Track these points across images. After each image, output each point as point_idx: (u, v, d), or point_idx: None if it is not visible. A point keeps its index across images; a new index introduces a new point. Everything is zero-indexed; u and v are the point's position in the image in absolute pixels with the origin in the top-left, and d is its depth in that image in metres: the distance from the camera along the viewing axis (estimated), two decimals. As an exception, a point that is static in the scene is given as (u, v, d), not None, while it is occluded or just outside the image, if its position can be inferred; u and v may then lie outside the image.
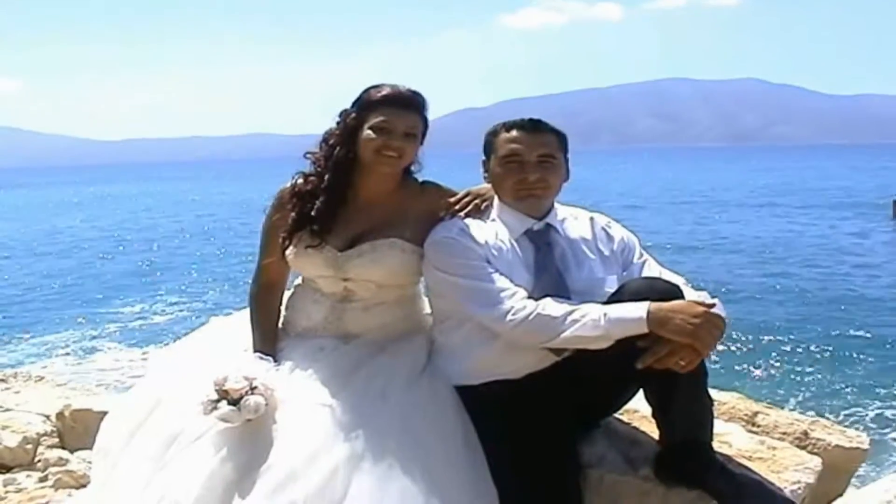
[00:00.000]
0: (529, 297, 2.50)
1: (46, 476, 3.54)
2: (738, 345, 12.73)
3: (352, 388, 2.53)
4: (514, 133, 2.71)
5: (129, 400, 2.86)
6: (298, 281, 2.93)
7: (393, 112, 2.67)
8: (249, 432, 2.40)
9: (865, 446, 3.33)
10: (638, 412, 2.94)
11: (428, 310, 2.91)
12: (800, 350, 13.13)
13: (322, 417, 2.42)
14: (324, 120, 2.83)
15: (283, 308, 2.92)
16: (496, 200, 2.77)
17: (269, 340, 2.79)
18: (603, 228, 2.83)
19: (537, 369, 2.59)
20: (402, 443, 2.38)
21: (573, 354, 2.50)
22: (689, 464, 2.54)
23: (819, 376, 11.85)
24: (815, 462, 2.84)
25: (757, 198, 49.54)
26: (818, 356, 12.78)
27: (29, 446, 3.89)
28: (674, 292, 2.42)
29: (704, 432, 2.58)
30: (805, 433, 3.23)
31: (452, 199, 2.81)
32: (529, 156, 2.67)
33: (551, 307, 2.43)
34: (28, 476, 3.57)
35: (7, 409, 4.52)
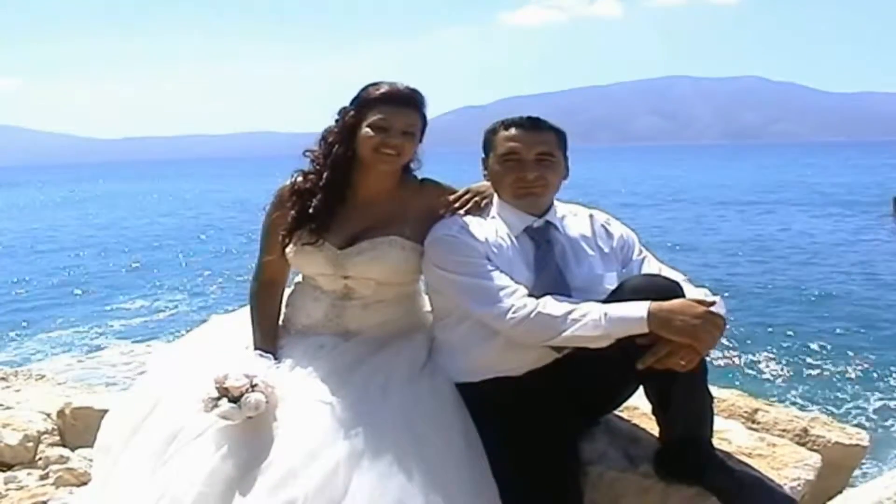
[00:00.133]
0: (530, 295, 2.50)
1: (47, 474, 3.54)
2: (738, 342, 12.71)
3: (352, 386, 2.54)
4: (512, 131, 2.71)
5: (130, 398, 2.87)
6: (298, 278, 2.93)
7: (391, 110, 2.67)
8: (250, 430, 2.41)
9: (865, 443, 3.33)
10: (638, 409, 2.95)
11: (428, 307, 2.91)
12: (800, 347, 13.12)
13: (322, 415, 2.43)
14: (324, 118, 2.84)
15: (283, 306, 2.92)
16: (496, 198, 2.77)
17: (269, 338, 2.79)
18: (602, 225, 2.83)
19: (538, 366, 2.60)
20: (403, 440, 2.38)
21: (573, 352, 2.50)
22: (689, 461, 2.54)
23: (819, 372, 11.85)
24: (815, 459, 2.85)
25: (756, 195, 49.49)
26: (818, 353, 12.77)
27: (30, 444, 3.89)
28: (674, 290, 2.42)
29: (704, 429, 2.58)
30: (805, 430, 3.24)
31: (452, 197, 2.81)
32: (528, 154, 2.67)
33: (552, 306, 2.43)
34: (29, 474, 3.57)
35: (8, 408, 4.52)
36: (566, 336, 2.39)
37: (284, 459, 2.31)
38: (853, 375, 11.62)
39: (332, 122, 2.78)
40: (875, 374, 11.59)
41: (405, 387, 2.58)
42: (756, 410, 3.32)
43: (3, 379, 6.24)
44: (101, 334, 15.94)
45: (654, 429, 2.72)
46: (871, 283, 19.62)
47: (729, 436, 2.94)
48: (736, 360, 12.05)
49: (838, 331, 14.42)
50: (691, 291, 2.49)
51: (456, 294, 2.61)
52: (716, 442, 2.68)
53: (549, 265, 2.63)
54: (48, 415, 4.30)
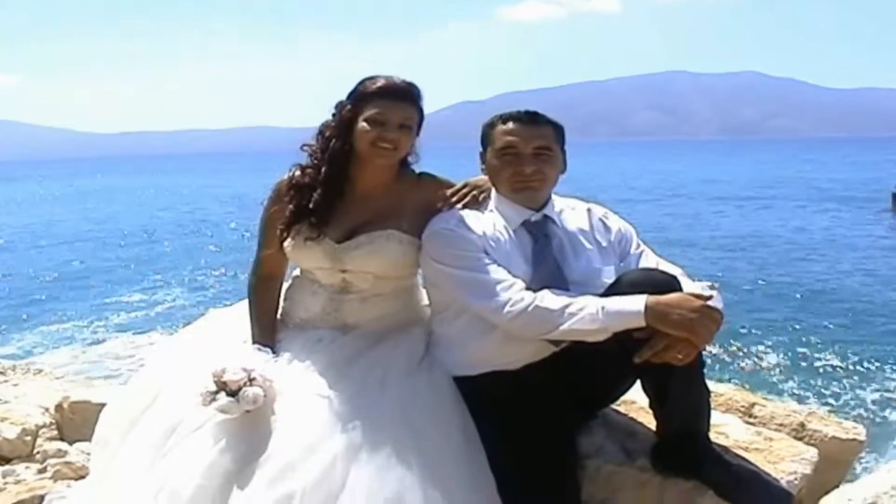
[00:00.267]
0: (527, 289, 2.50)
1: (45, 467, 3.54)
2: (736, 336, 12.74)
3: (350, 379, 2.54)
4: (510, 125, 2.70)
5: (128, 391, 2.87)
6: (296, 272, 2.93)
7: (388, 104, 2.66)
8: (248, 423, 2.41)
9: (862, 438, 3.34)
10: (635, 403, 2.95)
11: (426, 301, 2.91)
12: (797, 341, 13.16)
13: (320, 408, 2.43)
14: (322, 112, 2.82)
15: (281, 300, 2.92)
16: (493, 192, 2.76)
17: (267, 332, 2.79)
18: (600, 219, 2.83)
19: (535, 360, 2.60)
20: (400, 433, 2.39)
21: (571, 346, 2.50)
22: (686, 454, 2.54)
23: (816, 367, 11.89)
24: (812, 453, 2.85)
25: (754, 191, 49.50)
26: (815, 347, 12.81)
27: (28, 438, 3.90)
28: (671, 284, 2.42)
29: (701, 423, 2.58)
30: (802, 425, 3.24)
31: (450, 191, 2.81)
32: (526, 148, 2.66)
33: (549, 299, 2.43)
34: (27, 467, 3.57)
35: (5, 402, 4.53)
36: (563, 330, 2.39)
37: (283, 453, 2.31)
38: (851, 369, 11.66)
39: (330, 117, 2.78)
40: (872, 368, 11.62)
41: (403, 380, 2.58)
42: (753, 405, 3.32)
43: (1, 373, 6.24)
44: (100, 328, 15.97)
45: (651, 423, 2.72)
46: (868, 277, 19.69)
47: (726, 430, 2.95)
48: (733, 355, 12.08)
49: (836, 325, 14.47)
50: (689, 285, 2.49)
51: (453, 288, 2.61)
52: (713, 436, 2.68)
53: (547, 259, 2.63)
54: (46, 409, 4.30)
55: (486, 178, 2.80)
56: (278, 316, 2.89)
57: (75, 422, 4.04)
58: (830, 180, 57.86)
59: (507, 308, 2.46)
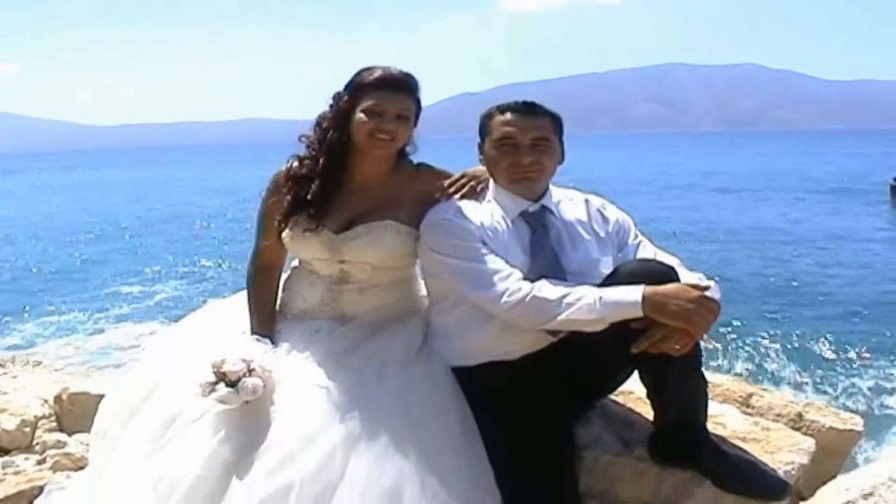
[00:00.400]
0: (525, 279, 2.50)
1: (45, 458, 3.55)
2: (733, 327, 12.74)
3: (348, 370, 2.55)
4: (508, 116, 2.70)
5: (127, 383, 2.87)
6: (295, 263, 2.94)
7: (385, 95, 2.66)
8: (247, 414, 2.42)
9: (860, 428, 3.35)
10: (633, 394, 2.96)
11: (424, 291, 2.92)
12: (795, 332, 13.15)
13: (319, 399, 2.43)
14: (321, 105, 2.82)
15: (280, 290, 2.92)
16: (491, 183, 2.76)
17: (266, 323, 2.80)
18: (598, 210, 2.83)
19: (533, 351, 2.60)
20: (398, 424, 2.39)
21: (568, 336, 2.51)
22: (684, 444, 2.56)
23: (814, 357, 11.89)
24: (809, 443, 2.86)
25: (753, 183, 49.46)
26: (814, 338, 12.81)
27: (27, 429, 3.91)
28: (669, 275, 2.43)
29: (699, 413, 2.59)
30: (799, 415, 3.25)
31: (447, 181, 2.80)
32: (523, 139, 2.66)
33: (547, 290, 2.43)
34: (26, 458, 3.58)
35: (5, 393, 4.53)
36: (561, 320, 2.39)
37: (281, 443, 2.32)
38: (848, 360, 11.67)
39: (327, 108, 2.77)
40: (870, 359, 11.63)
41: (401, 371, 2.59)
42: (751, 395, 3.33)
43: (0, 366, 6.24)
44: (100, 319, 15.96)
45: (648, 413, 2.73)
46: (865, 269, 19.70)
47: (724, 420, 2.96)
48: (731, 346, 12.09)
49: (833, 316, 14.49)
50: (686, 276, 2.50)
51: (451, 278, 2.61)
52: (710, 426, 2.69)
53: (545, 249, 2.63)
54: (45, 400, 4.31)
55: (483, 168, 2.80)
56: (277, 307, 2.89)
57: (74, 413, 4.05)
58: (829, 172, 57.81)
59: (504, 298, 2.46)
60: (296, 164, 2.78)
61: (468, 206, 2.68)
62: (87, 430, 3.10)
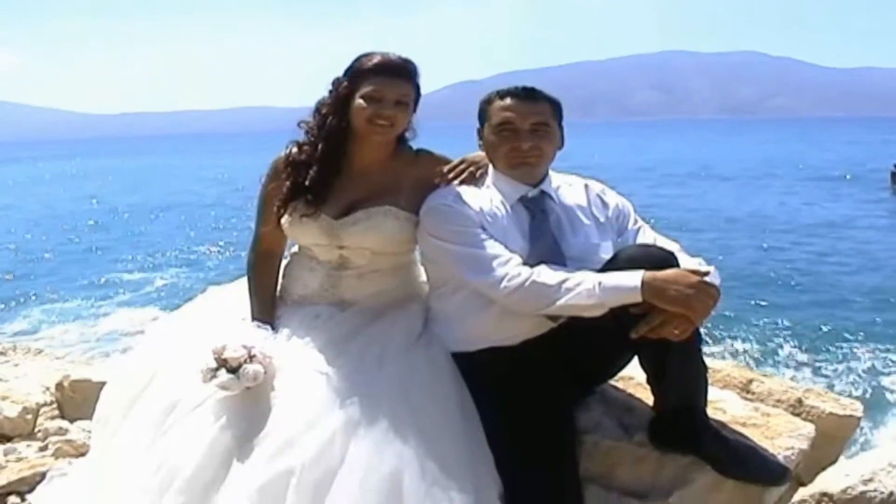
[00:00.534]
0: (525, 264, 2.50)
1: (46, 445, 3.57)
2: (733, 313, 12.76)
3: (348, 356, 2.55)
4: (507, 101, 2.69)
5: (128, 369, 2.87)
6: (295, 249, 2.93)
7: (384, 80, 2.65)
8: (248, 400, 2.42)
9: (859, 414, 3.35)
10: (633, 379, 2.96)
11: (423, 277, 2.92)
12: (795, 318, 13.18)
13: (319, 385, 2.44)
14: (321, 92, 2.81)
15: (280, 276, 2.93)
16: (491, 168, 2.76)
17: (266, 309, 2.80)
18: (598, 195, 2.83)
19: (533, 336, 2.60)
20: (398, 409, 2.39)
21: (568, 321, 2.50)
22: (684, 429, 2.56)
23: (815, 344, 11.92)
24: (809, 429, 2.86)
25: (753, 170, 49.44)
26: (814, 324, 12.84)
27: (29, 416, 3.92)
28: (668, 260, 2.42)
29: (699, 398, 2.60)
30: (799, 401, 3.25)
31: (447, 167, 2.80)
32: (523, 124, 2.65)
33: (546, 275, 2.43)
34: (28, 445, 3.60)
35: (6, 381, 4.55)
36: (560, 305, 2.39)
37: (282, 429, 2.32)
38: (848, 347, 11.70)
39: (326, 94, 2.77)
40: (870, 345, 11.66)
41: (401, 356, 2.59)
42: (751, 381, 3.33)
43: (2, 353, 6.26)
44: (102, 306, 16.02)
45: (648, 398, 2.73)
46: (864, 256, 19.74)
47: (724, 405, 2.96)
48: (731, 332, 12.12)
49: (834, 303, 14.51)
50: (686, 261, 2.49)
51: (451, 263, 2.61)
52: (710, 412, 2.69)
53: (545, 234, 2.63)
54: (47, 387, 4.32)
55: (483, 154, 2.79)
56: (277, 293, 2.89)
57: (76, 400, 4.07)
58: (829, 160, 57.77)
59: (504, 283, 2.46)
60: (295, 149, 2.78)
61: (467, 192, 2.68)
62: (89, 417, 3.11)
